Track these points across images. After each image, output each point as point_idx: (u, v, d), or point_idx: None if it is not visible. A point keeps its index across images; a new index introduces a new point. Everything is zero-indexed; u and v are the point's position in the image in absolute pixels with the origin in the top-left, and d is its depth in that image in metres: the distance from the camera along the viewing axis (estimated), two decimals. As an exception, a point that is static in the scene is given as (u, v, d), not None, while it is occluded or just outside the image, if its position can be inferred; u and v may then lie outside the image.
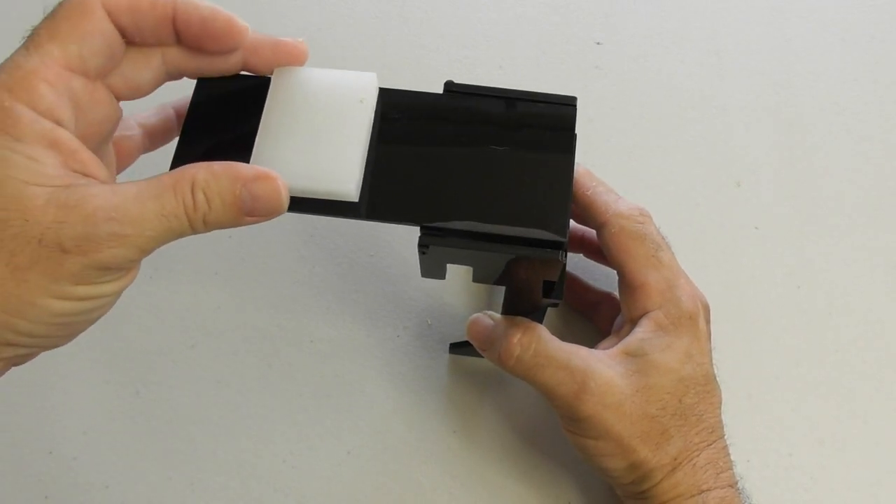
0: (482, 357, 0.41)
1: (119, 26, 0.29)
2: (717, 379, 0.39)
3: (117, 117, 0.32)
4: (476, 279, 0.36)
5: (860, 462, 0.44)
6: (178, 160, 0.33)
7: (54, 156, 0.27)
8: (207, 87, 0.35)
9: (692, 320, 0.38)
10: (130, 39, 0.30)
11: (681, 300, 0.38)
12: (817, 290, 0.48)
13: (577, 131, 0.33)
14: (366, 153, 0.32)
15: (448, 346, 0.46)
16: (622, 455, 0.37)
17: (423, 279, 0.36)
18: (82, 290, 0.28)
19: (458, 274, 0.47)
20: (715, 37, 0.56)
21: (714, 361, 0.39)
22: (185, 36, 0.31)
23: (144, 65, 0.31)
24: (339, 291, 0.48)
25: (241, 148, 0.32)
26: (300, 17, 0.56)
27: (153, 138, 0.36)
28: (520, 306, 0.38)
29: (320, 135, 0.32)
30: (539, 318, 0.39)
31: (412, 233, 0.32)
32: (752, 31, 0.56)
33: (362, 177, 0.32)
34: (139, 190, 0.28)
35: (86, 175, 0.28)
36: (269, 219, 0.30)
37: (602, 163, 0.44)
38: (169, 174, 0.28)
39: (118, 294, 0.30)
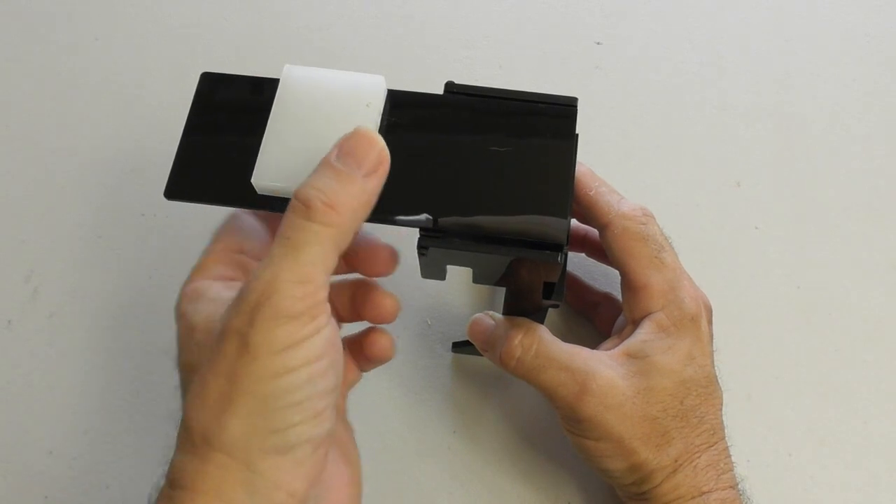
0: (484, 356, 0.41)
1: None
2: (718, 379, 0.39)
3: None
4: (476, 280, 0.36)
5: (860, 462, 0.44)
6: (182, 153, 0.33)
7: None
8: (212, 82, 0.35)
9: (694, 322, 0.38)
10: None
11: (683, 302, 0.38)
12: (817, 290, 0.49)
13: (577, 131, 0.33)
14: None
15: (450, 345, 0.46)
16: (623, 456, 0.37)
17: (424, 279, 0.36)
18: (276, 363, 0.28)
19: (458, 274, 0.47)
20: (715, 37, 0.56)
21: (715, 362, 0.39)
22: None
23: None
24: (340, 291, 0.48)
25: (246, 146, 0.32)
26: (301, 18, 0.56)
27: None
28: (521, 307, 0.38)
29: (326, 138, 0.32)
30: (540, 319, 0.39)
31: (412, 232, 0.32)
32: (752, 31, 0.56)
33: None
34: (269, 255, 0.29)
35: None
36: (385, 164, 0.29)
37: (602, 163, 0.44)
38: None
39: (325, 347, 0.29)
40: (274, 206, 0.33)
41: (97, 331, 0.47)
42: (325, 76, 0.33)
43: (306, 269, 0.28)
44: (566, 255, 0.33)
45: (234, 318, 0.27)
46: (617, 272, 0.40)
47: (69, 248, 0.49)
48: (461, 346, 0.45)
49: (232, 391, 0.27)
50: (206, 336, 0.29)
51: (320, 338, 0.28)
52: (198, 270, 0.34)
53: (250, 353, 0.27)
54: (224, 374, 0.27)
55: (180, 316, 0.32)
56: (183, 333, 0.31)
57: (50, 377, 0.46)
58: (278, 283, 0.27)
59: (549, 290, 0.35)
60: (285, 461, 0.28)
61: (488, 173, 0.32)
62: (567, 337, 0.39)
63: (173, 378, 0.33)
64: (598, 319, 0.46)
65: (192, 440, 0.28)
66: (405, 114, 0.33)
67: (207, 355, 0.28)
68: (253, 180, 0.32)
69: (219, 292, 0.31)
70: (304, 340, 0.28)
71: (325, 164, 0.29)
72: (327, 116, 0.32)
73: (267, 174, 0.32)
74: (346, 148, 0.29)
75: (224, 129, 0.34)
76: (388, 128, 0.33)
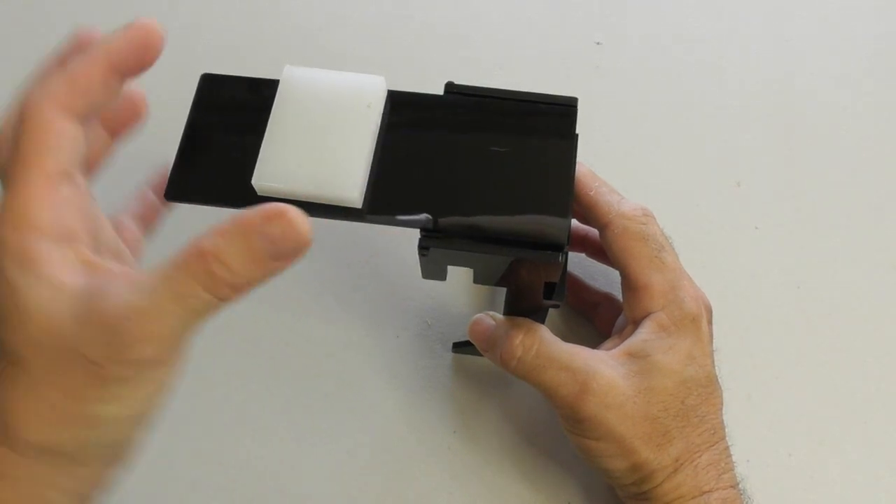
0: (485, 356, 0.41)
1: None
2: (718, 379, 0.39)
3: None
4: (477, 281, 0.36)
5: (860, 462, 0.44)
6: (182, 155, 0.33)
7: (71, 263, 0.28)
8: (212, 82, 0.35)
9: (695, 322, 0.38)
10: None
11: (683, 301, 0.38)
12: (817, 290, 0.49)
13: (577, 131, 0.33)
14: (371, 159, 0.32)
15: (450, 345, 0.46)
16: (623, 456, 0.37)
17: (424, 280, 0.36)
18: (127, 390, 0.28)
19: (458, 274, 0.47)
20: (715, 37, 0.56)
21: (715, 362, 0.39)
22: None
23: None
24: (340, 292, 0.48)
25: (247, 147, 0.32)
26: (301, 18, 0.56)
27: (148, 225, 0.38)
28: (521, 307, 0.38)
29: (327, 139, 0.32)
30: (541, 319, 0.39)
31: (412, 233, 0.32)
32: (752, 31, 0.56)
33: (366, 183, 0.32)
34: (152, 280, 0.26)
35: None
36: (301, 255, 0.26)
37: (602, 163, 0.44)
38: (178, 253, 0.26)
39: (161, 388, 0.29)
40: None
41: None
42: (326, 77, 0.33)
43: (187, 329, 0.28)
44: (567, 255, 0.33)
45: (94, 349, 0.26)
46: (617, 272, 0.40)
47: (69, 249, 0.49)
48: (461, 347, 0.45)
49: (69, 410, 0.27)
50: (44, 337, 0.27)
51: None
52: (27, 216, 0.27)
53: (102, 380, 0.27)
54: (63, 393, 0.27)
55: None
56: (3, 302, 0.27)
57: (50, 377, 0.46)
58: (159, 342, 0.27)
59: (549, 290, 0.35)
60: None
61: (489, 174, 0.32)
62: (567, 337, 0.39)
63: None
64: (598, 319, 0.46)
65: (6, 435, 0.28)
66: (405, 114, 0.33)
67: (45, 366, 0.27)
68: (253, 182, 0.32)
69: (57, 273, 0.27)
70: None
71: (245, 234, 0.26)
72: (328, 117, 0.32)
73: (268, 176, 0.32)
74: (276, 234, 0.25)
75: (224, 130, 0.34)
76: (388, 128, 0.33)
